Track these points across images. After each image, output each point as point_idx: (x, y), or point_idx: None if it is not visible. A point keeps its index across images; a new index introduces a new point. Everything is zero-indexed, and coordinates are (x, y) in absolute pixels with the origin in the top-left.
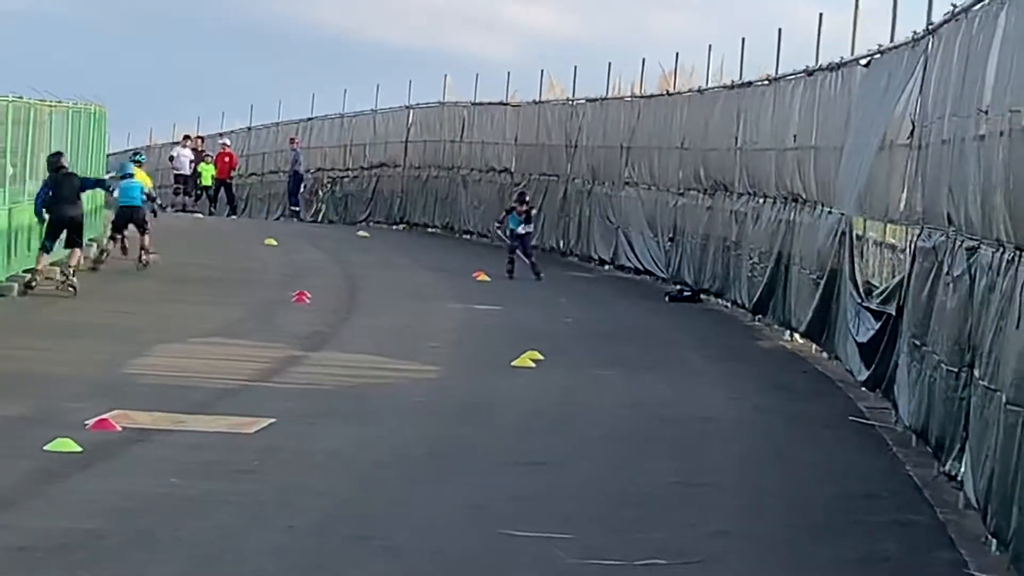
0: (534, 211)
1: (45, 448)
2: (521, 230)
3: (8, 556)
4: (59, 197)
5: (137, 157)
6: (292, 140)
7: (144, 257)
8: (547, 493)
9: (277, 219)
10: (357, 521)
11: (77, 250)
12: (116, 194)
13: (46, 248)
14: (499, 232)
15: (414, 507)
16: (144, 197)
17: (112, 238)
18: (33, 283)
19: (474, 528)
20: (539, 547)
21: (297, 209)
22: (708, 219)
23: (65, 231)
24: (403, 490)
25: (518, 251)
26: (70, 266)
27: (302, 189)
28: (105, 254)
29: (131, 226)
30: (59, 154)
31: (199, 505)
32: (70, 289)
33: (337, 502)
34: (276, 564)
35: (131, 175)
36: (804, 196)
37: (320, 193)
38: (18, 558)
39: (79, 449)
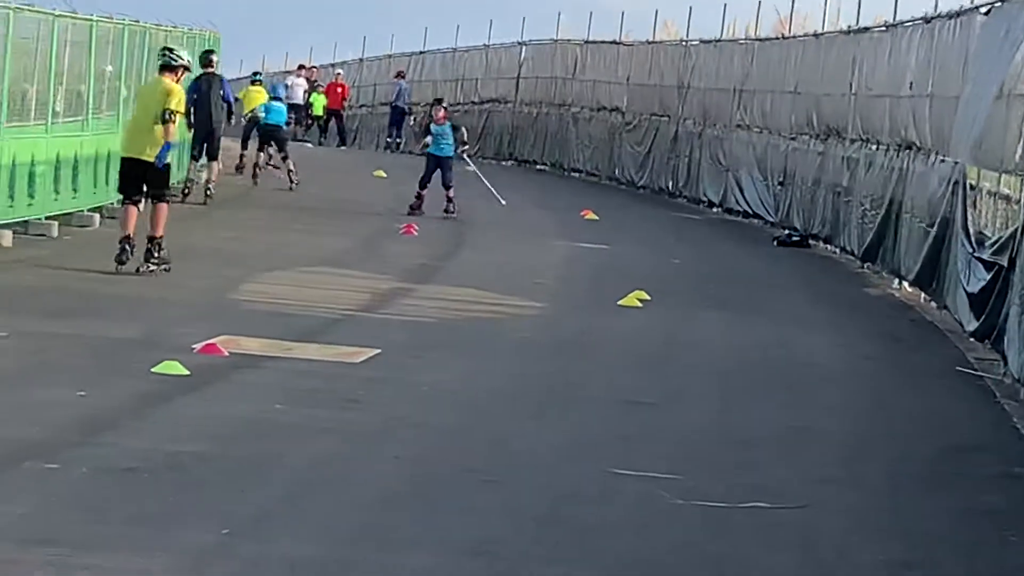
0: (463, 133)
1: (152, 370)
2: (458, 152)
3: (114, 476)
4: (203, 100)
5: (257, 76)
6: (400, 73)
7: (294, 178)
8: (651, 433)
9: (383, 150)
10: (460, 454)
11: (215, 163)
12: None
13: (195, 156)
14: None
15: (517, 442)
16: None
17: (260, 149)
18: (187, 190)
19: (577, 465)
20: (642, 486)
21: (395, 141)
22: (819, 164)
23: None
24: (507, 425)
25: (431, 182)
26: (209, 180)
27: (410, 122)
28: (258, 168)
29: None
30: (212, 52)
31: (303, 432)
32: (207, 197)
33: (441, 434)
34: (378, 492)
35: (280, 98)
36: (918, 144)
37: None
38: (124, 478)
39: (186, 372)
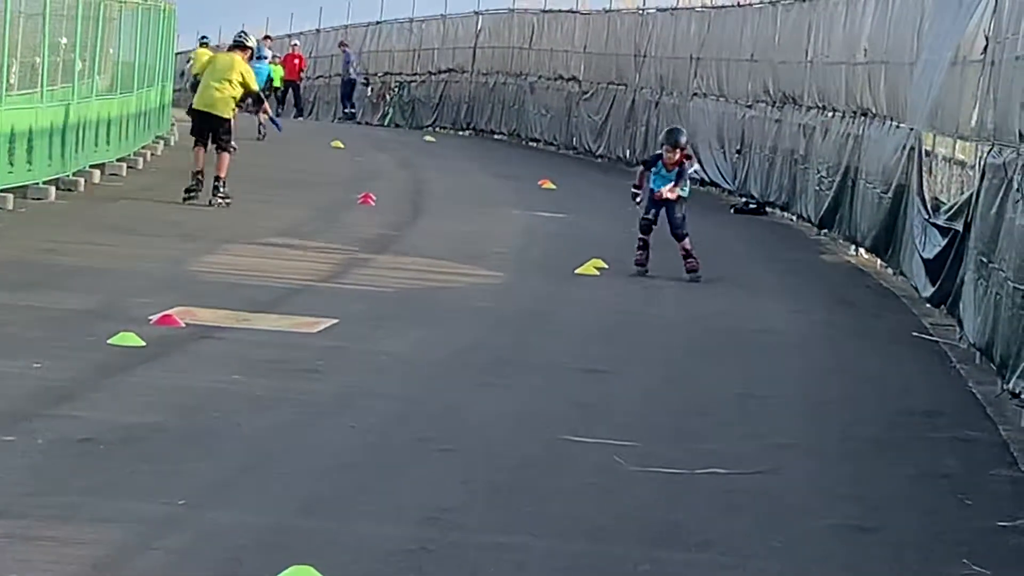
0: (692, 164)
1: (108, 342)
2: (667, 192)
3: (71, 447)
4: None
5: (205, 39)
6: (342, 44)
7: (263, 131)
8: (608, 401)
9: (337, 121)
10: (417, 423)
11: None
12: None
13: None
14: (638, 205)
15: (474, 410)
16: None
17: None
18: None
19: (534, 433)
20: (599, 453)
21: (351, 112)
22: (776, 132)
23: None
24: (463, 393)
25: (655, 228)
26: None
27: (366, 92)
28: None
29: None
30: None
31: (260, 402)
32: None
33: (398, 403)
34: (335, 461)
35: (264, 58)
36: (873, 111)
37: (387, 97)
38: (81, 449)
39: (142, 343)
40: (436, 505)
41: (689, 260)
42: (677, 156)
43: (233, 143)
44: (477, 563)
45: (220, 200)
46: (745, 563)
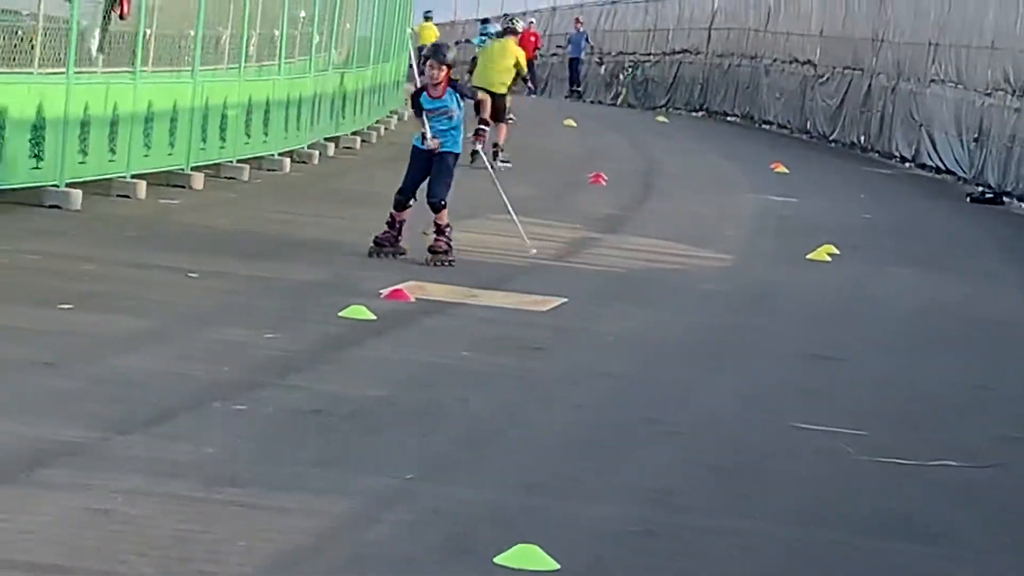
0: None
1: (339, 314)
2: (430, 142)
3: (302, 418)
4: None
5: (428, 13)
6: (578, 20)
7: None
8: (835, 387)
9: (567, 99)
10: (643, 404)
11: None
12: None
13: None
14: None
15: (700, 393)
16: None
17: None
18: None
19: (759, 418)
20: (826, 441)
21: (577, 90)
22: (1016, 121)
23: None
24: (690, 375)
25: (413, 203)
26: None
27: (600, 71)
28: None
29: None
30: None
31: (488, 379)
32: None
33: (624, 384)
34: (560, 440)
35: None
36: None
37: (621, 77)
38: (312, 420)
39: (373, 317)
40: (661, 487)
41: (439, 240)
42: (443, 74)
43: (511, 116)
44: (702, 546)
45: (501, 164)
46: (975, 558)
